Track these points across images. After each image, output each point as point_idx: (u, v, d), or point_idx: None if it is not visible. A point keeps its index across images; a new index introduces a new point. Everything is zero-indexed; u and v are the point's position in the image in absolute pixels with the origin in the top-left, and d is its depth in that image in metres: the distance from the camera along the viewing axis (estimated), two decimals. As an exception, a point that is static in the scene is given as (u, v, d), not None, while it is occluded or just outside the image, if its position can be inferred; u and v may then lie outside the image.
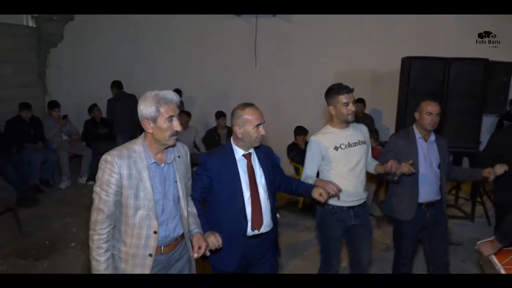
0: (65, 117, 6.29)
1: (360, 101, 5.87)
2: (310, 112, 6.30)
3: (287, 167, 5.55)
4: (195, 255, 2.06)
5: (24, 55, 6.79)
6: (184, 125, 5.78)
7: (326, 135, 2.82)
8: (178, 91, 6.36)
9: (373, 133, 5.46)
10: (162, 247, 2.07)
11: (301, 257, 4.07)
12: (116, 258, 2.02)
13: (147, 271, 2.01)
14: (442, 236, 3.13)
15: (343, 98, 2.69)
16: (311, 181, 2.72)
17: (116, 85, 6.37)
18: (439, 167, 3.04)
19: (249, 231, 2.36)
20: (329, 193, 2.46)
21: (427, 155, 3.01)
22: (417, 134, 3.03)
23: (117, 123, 6.24)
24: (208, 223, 2.28)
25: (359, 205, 2.85)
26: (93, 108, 6.49)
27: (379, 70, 6.36)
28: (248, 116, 2.29)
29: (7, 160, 5.22)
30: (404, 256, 3.16)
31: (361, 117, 5.79)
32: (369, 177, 3.07)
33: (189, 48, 6.79)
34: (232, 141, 2.41)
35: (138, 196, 1.97)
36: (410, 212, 3.01)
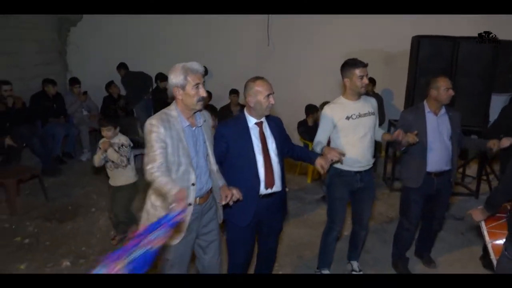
0: (85, 93, 6.59)
1: (369, 81, 5.97)
2: (321, 91, 6.41)
3: (297, 143, 5.72)
4: (223, 202, 2.37)
5: (46, 34, 7.04)
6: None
7: (339, 106, 3.04)
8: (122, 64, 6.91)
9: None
10: (198, 199, 2.36)
11: (306, 227, 4.28)
12: (158, 208, 2.30)
13: (188, 218, 2.29)
14: (444, 202, 3.42)
15: (358, 72, 2.91)
16: (320, 147, 2.97)
17: (123, 66, 6.83)
18: (450, 138, 3.21)
19: (262, 190, 2.62)
20: (332, 161, 2.72)
21: (437, 128, 3.18)
22: (427, 109, 3.22)
23: (132, 96, 6.64)
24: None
25: (365, 170, 3.10)
26: (110, 85, 6.78)
27: (391, 49, 6.42)
28: (259, 87, 2.52)
29: (33, 133, 5.55)
30: (409, 222, 3.37)
31: (371, 96, 5.90)
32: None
33: (203, 28, 6.95)
34: (245, 111, 2.65)
35: (178, 154, 2.24)
36: (418, 180, 3.22)
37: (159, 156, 2.17)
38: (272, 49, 6.83)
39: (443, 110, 3.24)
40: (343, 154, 2.80)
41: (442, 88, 3.13)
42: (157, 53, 7.00)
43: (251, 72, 2.96)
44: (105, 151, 3.58)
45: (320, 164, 2.68)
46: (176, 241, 2.32)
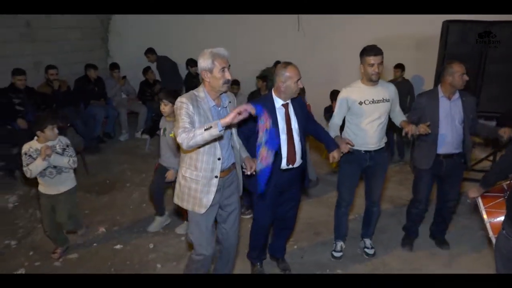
0: (124, 77, 7.01)
1: (398, 67, 5.96)
2: (349, 76, 6.45)
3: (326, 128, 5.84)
4: (248, 172, 2.58)
5: (90, 22, 7.50)
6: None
7: (355, 89, 3.18)
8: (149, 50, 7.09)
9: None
10: (220, 172, 2.55)
11: (326, 207, 4.44)
12: (188, 180, 2.53)
13: (213, 188, 2.52)
14: (455, 183, 3.48)
15: (370, 59, 3.03)
16: (334, 131, 3.21)
17: (151, 51, 7.09)
18: (462, 123, 3.28)
19: (284, 165, 2.90)
20: (343, 153, 3.04)
21: (449, 112, 3.26)
22: (441, 93, 3.29)
23: (164, 80, 7.06)
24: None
25: (374, 150, 3.25)
26: (147, 70, 7.14)
27: (422, 34, 6.33)
28: (290, 73, 2.75)
29: (76, 114, 6.03)
30: (418, 200, 3.53)
31: (400, 82, 5.87)
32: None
33: (233, 15, 7.14)
34: (273, 92, 2.87)
35: None
36: (428, 162, 3.35)
37: (187, 123, 2.36)
38: (303, 35, 6.92)
39: (456, 95, 3.29)
40: (352, 145, 3.09)
41: (457, 74, 3.17)
42: (188, 38, 7.29)
43: (281, 58, 3.16)
44: (48, 156, 3.21)
45: (333, 156, 3.00)
46: (203, 209, 2.53)
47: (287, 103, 2.87)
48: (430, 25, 5.91)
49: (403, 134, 3.17)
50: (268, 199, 2.95)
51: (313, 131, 3.14)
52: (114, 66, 6.94)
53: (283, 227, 3.26)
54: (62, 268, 3.38)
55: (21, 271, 3.33)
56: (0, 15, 5.53)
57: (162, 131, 3.75)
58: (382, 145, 3.29)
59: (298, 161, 2.94)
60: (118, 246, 3.70)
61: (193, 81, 6.71)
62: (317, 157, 5.84)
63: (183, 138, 2.30)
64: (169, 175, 3.64)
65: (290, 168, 2.93)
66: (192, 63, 6.83)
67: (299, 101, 2.96)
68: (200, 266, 2.68)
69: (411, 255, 3.60)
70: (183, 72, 7.19)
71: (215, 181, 2.51)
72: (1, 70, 5.57)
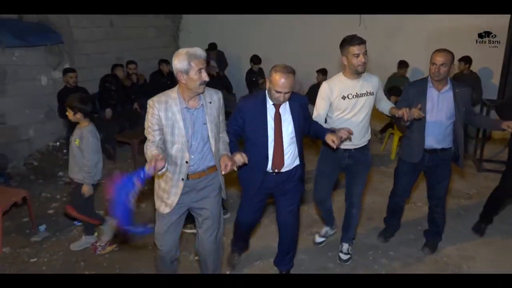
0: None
1: (463, 59, 5.84)
2: (413, 70, 6.46)
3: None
4: (223, 172, 2.40)
5: (163, 21, 8.17)
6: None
7: (337, 83, 2.93)
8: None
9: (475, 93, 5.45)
10: (188, 174, 2.46)
11: (381, 196, 4.57)
12: (160, 180, 2.49)
13: (179, 191, 2.44)
14: (439, 181, 3.26)
15: (354, 49, 2.76)
16: (322, 122, 2.91)
17: (212, 47, 7.64)
18: (452, 116, 3.03)
19: (269, 169, 2.71)
20: (341, 138, 2.64)
21: (436, 105, 3.02)
22: (430, 84, 3.04)
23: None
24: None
25: (355, 148, 3.03)
26: (207, 64, 7.65)
27: (488, 26, 6.14)
28: (273, 78, 2.53)
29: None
30: (395, 194, 3.49)
31: (466, 75, 5.75)
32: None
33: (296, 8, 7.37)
34: (266, 90, 2.66)
35: (173, 133, 2.38)
36: (418, 155, 3.15)
37: (151, 134, 2.37)
38: (364, 29, 6.98)
39: (447, 86, 3.03)
40: (351, 133, 2.70)
41: (430, 62, 2.96)
42: (254, 35, 7.66)
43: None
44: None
45: (331, 139, 2.60)
46: (167, 209, 2.49)
47: (279, 104, 2.65)
48: (497, 16, 5.74)
49: (397, 116, 2.92)
50: (252, 200, 2.83)
51: (307, 131, 2.83)
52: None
53: (283, 235, 3.00)
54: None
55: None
56: (89, 17, 6.30)
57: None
58: (364, 142, 3.05)
59: (287, 166, 2.73)
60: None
61: (252, 77, 7.07)
62: (375, 148, 5.91)
63: (144, 148, 2.36)
64: (85, 190, 3.32)
65: (281, 172, 2.73)
66: (256, 59, 7.17)
67: (299, 100, 2.74)
68: (160, 261, 2.67)
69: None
70: (243, 68, 7.58)
71: (181, 184, 2.44)
72: (89, 65, 6.34)
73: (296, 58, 7.37)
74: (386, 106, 3.15)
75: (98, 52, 6.64)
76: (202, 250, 2.69)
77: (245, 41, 7.74)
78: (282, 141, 2.67)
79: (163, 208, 2.50)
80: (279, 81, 2.50)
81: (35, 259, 3.46)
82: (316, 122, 2.86)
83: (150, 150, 2.30)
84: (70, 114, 3.27)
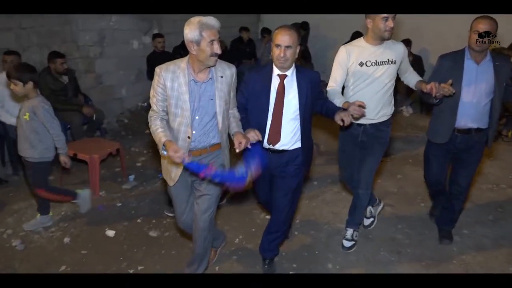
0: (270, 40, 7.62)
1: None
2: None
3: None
4: (237, 150, 2.27)
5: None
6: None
7: (356, 48, 2.71)
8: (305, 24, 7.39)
9: None
10: (190, 151, 2.35)
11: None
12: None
13: (180, 166, 2.36)
14: (468, 165, 2.94)
15: (383, 14, 2.56)
16: (337, 98, 2.64)
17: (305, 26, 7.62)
18: (492, 92, 2.73)
19: (265, 144, 2.53)
20: (352, 116, 2.38)
21: (475, 79, 2.71)
22: (467, 56, 2.74)
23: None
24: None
25: (370, 124, 2.80)
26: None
27: None
28: (274, 36, 2.40)
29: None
30: (430, 181, 3.12)
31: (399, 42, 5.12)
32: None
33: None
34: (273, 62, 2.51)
35: (177, 105, 2.27)
36: (445, 135, 2.85)
37: (155, 104, 2.31)
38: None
39: (487, 58, 2.71)
40: (363, 106, 2.42)
41: (472, 31, 2.64)
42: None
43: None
44: None
45: (340, 117, 2.36)
46: (171, 183, 2.47)
47: (285, 75, 2.45)
48: None
49: (425, 91, 2.62)
50: (260, 181, 2.65)
51: (319, 109, 2.59)
52: (264, 31, 7.58)
53: (273, 220, 2.77)
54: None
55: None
56: None
57: (19, 112, 3.18)
58: (383, 118, 2.81)
59: (285, 144, 2.52)
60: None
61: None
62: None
63: (149, 118, 2.35)
64: (65, 160, 3.28)
65: (279, 150, 2.54)
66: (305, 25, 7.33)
67: (310, 75, 2.53)
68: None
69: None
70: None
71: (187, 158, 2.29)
72: (176, 31, 6.67)
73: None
74: (412, 79, 2.88)
75: (184, 19, 6.94)
76: (195, 225, 2.56)
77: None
78: (281, 115, 2.48)
79: (168, 180, 2.49)
80: (278, 34, 2.35)
81: (125, 203, 3.90)
82: (330, 101, 2.62)
83: (157, 127, 2.27)
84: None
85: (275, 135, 2.50)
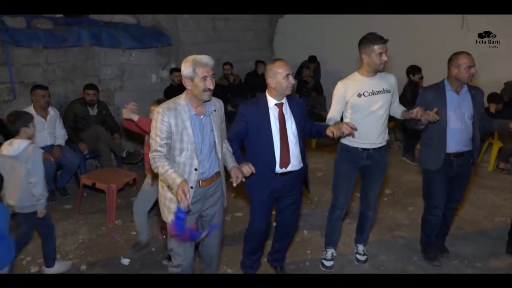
0: (286, 73, 7.83)
1: None
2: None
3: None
4: (234, 184, 2.45)
5: (260, 24, 8.56)
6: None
7: (353, 82, 2.95)
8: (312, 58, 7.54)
9: None
10: (200, 182, 2.45)
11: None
12: (165, 188, 2.44)
13: (190, 199, 2.27)
14: (462, 183, 3.23)
15: (378, 48, 2.79)
16: (333, 122, 2.87)
17: (312, 59, 7.92)
18: (472, 118, 3.03)
19: (278, 169, 2.72)
20: (342, 131, 2.61)
21: (458, 107, 3.01)
22: (447, 87, 3.04)
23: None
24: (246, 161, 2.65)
25: (373, 148, 3.00)
26: (302, 68, 7.84)
27: None
28: (278, 68, 2.59)
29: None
30: (434, 206, 3.19)
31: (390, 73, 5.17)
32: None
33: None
34: (267, 93, 2.71)
35: (182, 140, 2.36)
36: (437, 162, 3.06)
37: (159, 143, 2.32)
38: (466, 31, 6.62)
39: (464, 88, 3.05)
40: (355, 129, 2.67)
41: (463, 66, 2.92)
42: (346, 39, 7.65)
43: (443, 55, 3.28)
44: None
45: (331, 130, 2.61)
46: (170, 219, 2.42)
47: (282, 103, 2.69)
48: None
49: (411, 116, 2.85)
50: (263, 205, 2.83)
51: (308, 131, 2.87)
52: (278, 64, 7.82)
53: (283, 234, 3.06)
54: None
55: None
56: (194, 22, 6.92)
57: None
58: (383, 143, 3.03)
59: (294, 165, 2.74)
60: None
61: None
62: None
63: (152, 159, 2.32)
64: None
65: (287, 172, 2.75)
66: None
67: (297, 101, 2.82)
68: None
69: None
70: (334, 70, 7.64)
71: (191, 192, 2.34)
72: (192, 65, 6.95)
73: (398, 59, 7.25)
74: (398, 109, 3.11)
75: (200, 54, 7.21)
76: (207, 255, 2.68)
77: (337, 43, 7.78)
78: (287, 139, 2.70)
79: (168, 215, 2.45)
80: (283, 66, 2.59)
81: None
82: (317, 123, 2.96)
83: (167, 168, 2.25)
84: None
85: (286, 159, 2.71)
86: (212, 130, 2.45)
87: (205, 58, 2.31)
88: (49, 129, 4.57)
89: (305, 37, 8.33)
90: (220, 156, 2.51)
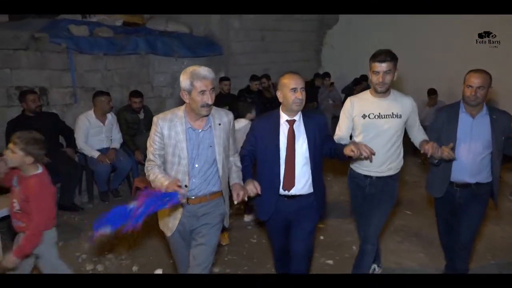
0: (332, 84, 7.78)
1: None
2: None
3: None
4: (235, 202, 2.27)
5: (308, 36, 8.61)
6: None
7: (361, 101, 2.72)
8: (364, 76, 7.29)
9: None
10: (188, 199, 2.32)
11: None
12: None
13: (178, 215, 2.33)
14: (470, 221, 2.79)
15: (374, 66, 2.56)
16: (344, 142, 2.62)
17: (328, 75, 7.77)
18: (487, 147, 2.65)
19: (281, 191, 2.50)
20: (361, 154, 2.30)
21: (469, 132, 2.66)
22: (462, 109, 2.69)
23: None
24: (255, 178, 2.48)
25: (377, 177, 2.72)
26: (356, 81, 7.72)
27: None
28: (284, 80, 2.40)
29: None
30: (439, 231, 3.10)
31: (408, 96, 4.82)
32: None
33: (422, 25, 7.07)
34: (280, 107, 2.51)
35: (175, 154, 2.27)
36: (441, 189, 2.80)
37: (152, 153, 2.30)
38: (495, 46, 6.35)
39: (483, 111, 2.66)
40: (373, 153, 2.35)
41: (465, 84, 2.63)
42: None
43: (461, 68, 3.08)
44: None
45: (350, 148, 2.29)
46: (169, 233, 2.42)
47: (294, 120, 2.45)
48: None
49: (422, 152, 2.61)
50: (272, 226, 2.66)
51: (329, 150, 2.52)
52: (326, 75, 7.78)
53: (296, 263, 2.63)
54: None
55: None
56: (245, 32, 7.05)
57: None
58: (389, 172, 2.70)
59: (297, 189, 2.48)
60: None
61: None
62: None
63: (145, 168, 2.32)
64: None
65: (295, 196, 2.50)
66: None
67: (317, 119, 2.52)
68: None
69: None
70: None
71: (180, 208, 2.31)
72: (240, 75, 7.07)
73: (406, 76, 7.05)
74: (418, 136, 2.78)
75: (248, 64, 7.37)
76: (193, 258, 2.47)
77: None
78: (294, 160, 2.45)
79: (166, 230, 2.45)
80: (291, 78, 2.38)
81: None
82: (337, 143, 2.59)
83: (156, 174, 2.22)
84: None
85: (290, 181, 2.48)
86: (211, 146, 2.31)
87: (204, 71, 2.18)
88: (106, 133, 4.79)
89: (354, 49, 8.25)
90: (221, 173, 2.34)
